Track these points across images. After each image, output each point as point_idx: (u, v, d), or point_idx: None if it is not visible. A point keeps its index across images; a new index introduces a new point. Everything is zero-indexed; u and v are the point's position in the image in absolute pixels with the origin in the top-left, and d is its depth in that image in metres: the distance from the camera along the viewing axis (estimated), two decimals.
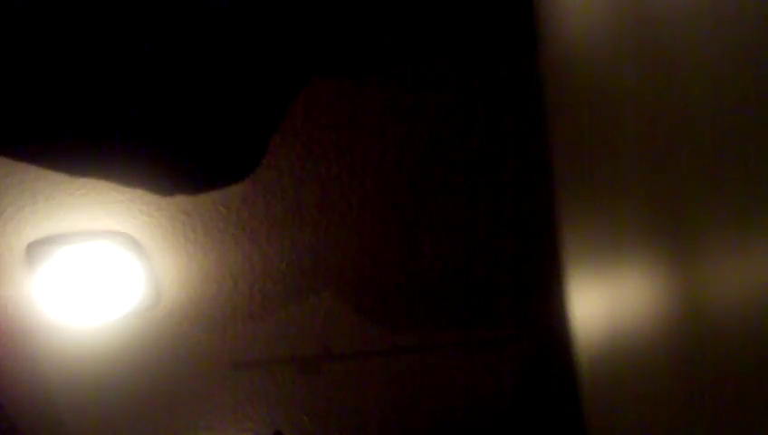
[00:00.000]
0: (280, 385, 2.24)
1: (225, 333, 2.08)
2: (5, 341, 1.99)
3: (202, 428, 2.35)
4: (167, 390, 2.22)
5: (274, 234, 1.85)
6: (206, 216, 1.78)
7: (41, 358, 2.04)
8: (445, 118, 1.68)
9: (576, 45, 0.70)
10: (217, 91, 1.29)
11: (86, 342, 2.03)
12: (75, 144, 1.24)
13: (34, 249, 1.79)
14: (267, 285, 1.96)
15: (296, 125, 1.63)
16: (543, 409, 2.29)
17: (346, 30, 1.28)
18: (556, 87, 0.78)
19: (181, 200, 1.72)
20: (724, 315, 0.41)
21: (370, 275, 1.97)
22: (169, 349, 2.09)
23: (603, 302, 0.66)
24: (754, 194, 0.37)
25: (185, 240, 1.83)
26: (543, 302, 1.98)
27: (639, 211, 0.55)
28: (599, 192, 0.65)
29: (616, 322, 0.62)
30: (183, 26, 1.21)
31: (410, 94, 1.59)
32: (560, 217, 0.77)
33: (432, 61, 1.51)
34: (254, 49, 1.26)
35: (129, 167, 1.29)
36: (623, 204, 0.58)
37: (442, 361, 2.22)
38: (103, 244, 1.80)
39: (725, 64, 0.40)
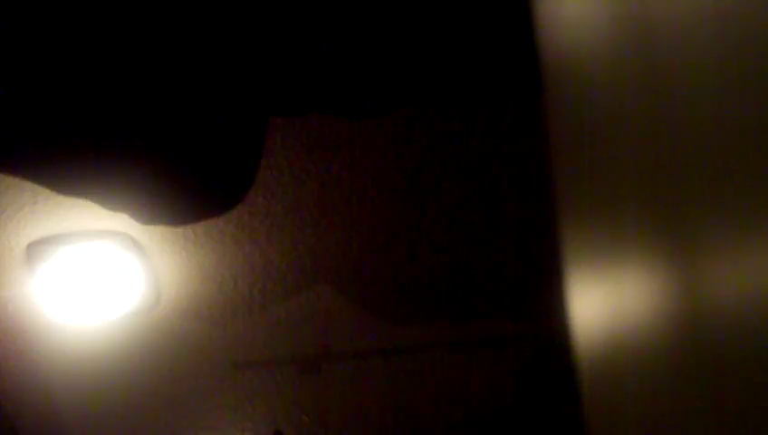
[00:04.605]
0: (280, 385, 2.24)
1: (225, 333, 2.08)
2: (5, 341, 1.99)
3: (202, 428, 2.35)
4: (167, 389, 2.22)
5: (274, 234, 1.85)
6: None
7: (41, 358, 2.05)
8: (445, 118, 1.68)
9: (576, 48, 0.70)
10: (216, 103, 1.29)
11: (86, 342, 2.03)
12: (74, 153, 1.24)
13: (34, 249, 1.79)
14: (267, 285, 1.96)
15: (296, 125, 1.64)
16: (543, 409, 2.29)
17: (345, 74, 1.29)
18: (556, 89, 0.78)
19: None
20: (724, 315, 0.41)
21: (370, 275, 1.97)
22: (169, 349, 2.09)
23: (603, 302, 0.66)
24: (754, 194, 0.37)
25: (185, 240, 1.83)
26: (543, 302, 1.98)
27: (639, 211, 0.55)
28: (599, 192, 0.65)
29: (616, 322, 0.62)
30: (187, 45, 1.21)
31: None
32: (560, 216, 0.77)
33: (435, 101, 1.52)
34: (256, 64, 1.26)
35: (128, 180, 1.30)
36: (623, 204, 0.58)
37: (442, 361, 2.22)
38: (103, 244, 1.80)
39: (726, 66, 0.40)
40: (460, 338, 2.17)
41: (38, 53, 1.16)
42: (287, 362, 2.17)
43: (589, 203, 0.69)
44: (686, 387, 0.47)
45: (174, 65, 1.24)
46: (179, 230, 1.80)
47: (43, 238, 1.78)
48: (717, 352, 0.42)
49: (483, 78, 1.44)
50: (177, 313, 2.00)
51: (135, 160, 1.29)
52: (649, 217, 0.53)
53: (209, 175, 1.38)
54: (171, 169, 1.32)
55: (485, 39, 1.32)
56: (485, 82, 1.46)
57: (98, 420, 2.26)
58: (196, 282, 1.93)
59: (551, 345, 2.12)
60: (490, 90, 1.52)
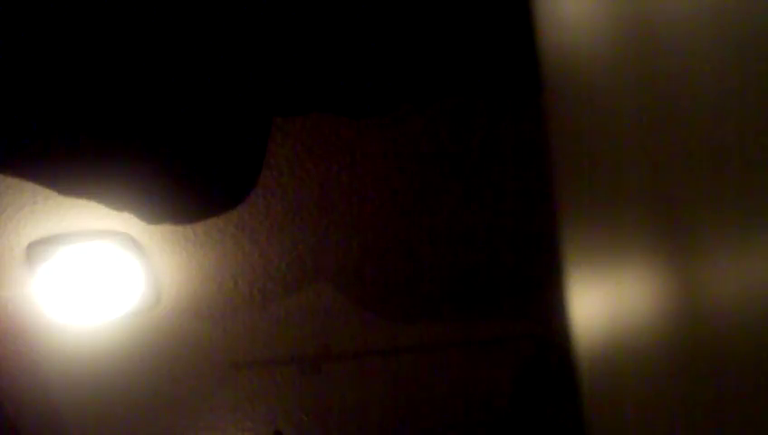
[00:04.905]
0: (280, 385, 2.24)
1: (225, 333, 2.08)
2: (5, 341, 1.99)
3: (202, 428, 2.35)
4: (167, 390, 2.22)
5: (274, 234, 1.85)
6: None
7: (41, 358, 2.05)
8: (445, 118, 1.68)
9: (576, 48, 0.70)
10: (217, 103, 1.29)
11: (86, 342, 2.03)
12: (73, 153, 1.24)
13: (34, 249, 1.79)
14: (267, 284, 1.96)
15: (296, 125, 1.64)
16: (543, 408, 2.29)
17: (346, 73, 1.29)
18: (556, 89, 0.78)
19: None
20: (724, 315, 0.41)
21: (370, 276, 1.97)
22: (169, 349, 2.09)
23: (603, 302, 0.66)
24: (754, 194, 0.37)
25: (185, 240, 1.83)
26: (543, 302, 1.98)
27: (639, 211, 0.55)
28: (599, 191, 0.65)
29: (616, 322, 0.62)
30: (188, 47, 1.21)
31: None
32: (560, 216, 0.77)
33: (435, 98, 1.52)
34: (256, 64, 1.26)
35: (129, 181, 1.30)
36: (623, 204, 0.58)
37: (442, 361, 2.22)
38: (103, 244, 1.80)
39: (726, 66, 0.40)
40: (460, 338, 2.17)
41: (38, 52, 1.16)
42: (287, 362, 2.17)
43: (589, 203, 0.69)
44: (686, 387, 0.47)
45: (174, 65, 1.24)
46: (179, 230, 1.80)
47: (43, 238, 1.78)
48: (717, 352, 0.42)
49: (483, 77, 1.44)
50: (177, 313, 2.00)
51: (135, 160, 1.29)
52: (649, 217, 0.53)
53: (209, 175, 1.38)
54: (171, 168, 1.32)
55: (485, 38, 1.32)
56: (485, 81, 1.46)
57: (98, 420, 2.26)
58: (196, 282, 1.93)
59: (551, 345, 2.12)
60: (490, 89, 1.52)
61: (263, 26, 1.24)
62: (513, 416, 2.34)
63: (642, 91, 0.53)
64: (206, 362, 2.15)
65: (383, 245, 1.90)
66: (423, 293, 2.03)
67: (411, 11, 1.27)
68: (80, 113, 1.22)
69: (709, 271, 0.43)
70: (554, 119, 0.79)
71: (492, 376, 2.27)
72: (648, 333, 0.54)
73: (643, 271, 0.54)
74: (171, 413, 2.29)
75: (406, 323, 2.11)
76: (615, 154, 0.60)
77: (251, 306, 2.01)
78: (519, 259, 1.96)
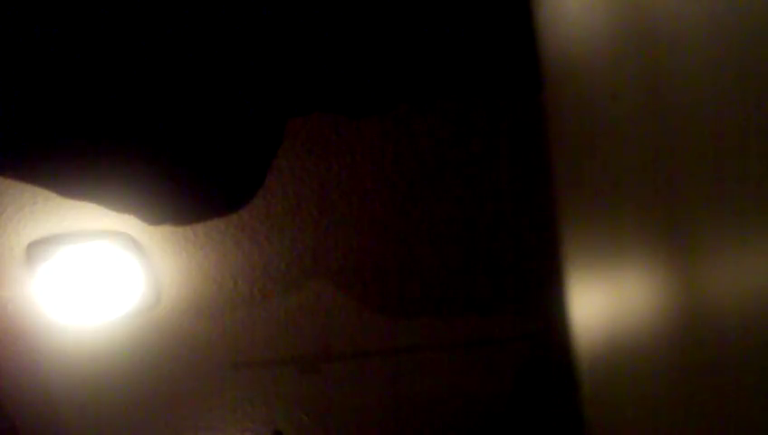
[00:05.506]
0: (280, 385, 2.24)
1: (225, 333, 2.08)
2: (6, 341, 1.99)
3: (202, 428, 2.35)
4: (167, 390, 2.22)
5: (274, 234, 1.85)
6: None
7: (41, 358, 2.05)
8: (445, 118, 1.68)
9: (576, 48, 0.70)
10: (219, 105, 1.29)
11: (86, 342, 2.03)
12: (71, 155, 1.24)
13: (34, 249, 1.79)
14: (267, 284, 1.96)
15: (296, 125, 1.64)
16: (543, 409, 2.29)
17: (345, 70, 1.29)
18: (556, 88, 0.78)
19: None
20: (725, 315, 0.41)
21: (370, 275, 1.97)
22: (169, 349, 2.09)
23: (603, 301, 0.66)
24: (754, 194, 0.37)
25: (185, 240, 1.83)
26: (543, 302, 1.98)
27: (639, 211, 0.55)
28: (599, 192, 0.65)
29: (616, 321, 0.62)
30: (189, 46, 1.21)
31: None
32: (560, 216, 0.77)
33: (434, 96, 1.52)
34: (256, 66, 1.26)
35: (127, 183, 1.30)
36: (623, 204, 0.58)
37: (442, 361, 2.22)
38: (103, 244, 1.80)
39: (725, 65, 0.40)
40: (460, 338, 2.17)
41: (38, 52, 1.16)
42: (287, 361, 2.17)
43: (589, 203, 0.69)
44: (685, 386, 0.47)
45: (174, 66, 1.24)
46: (179, 230, 1.80)
47: (43, 238, 1.78)
48: (717, 352, 0.42)
49: (482, 77, 1.44)
50: (177, 313, 2.00)
51: (135, 161, 1.29)
52: (649, 217, 0.53)
53: (209, 175, 1.38)
54: (171, 169, 1.32)
55: (485, 38, 1.33)
56: (485, 81, 1.46)
57: (98, 420, 2.26)
58: (196, 282, 1.93)
59: (551, 345, 2.12)
60: (490, 89, 1.52)
61: (264, 28, 1.24)
62: (513, 416, 2.34)
63: (642, 90, 0.53)
64: (206, 362, 2.15)
65: (383, 245, 1.90)
66: (423, 292, 2.03)
67: (411, 11, 1.27)
68: (80, 114, 1.22)
69: (709, 271, 0.43)
70: (554, 119, 0.79)
71: (492, 376, 2.27)
72: (648, 332, 0.54)
73: (643, 271, 0.54)
74: (171, 413, 2.29)
75: (406, 323, 2.11)
76: (615, 154, 0.60)
77: (251, 306, 2.01)
78: (519, 259, 1.96)
